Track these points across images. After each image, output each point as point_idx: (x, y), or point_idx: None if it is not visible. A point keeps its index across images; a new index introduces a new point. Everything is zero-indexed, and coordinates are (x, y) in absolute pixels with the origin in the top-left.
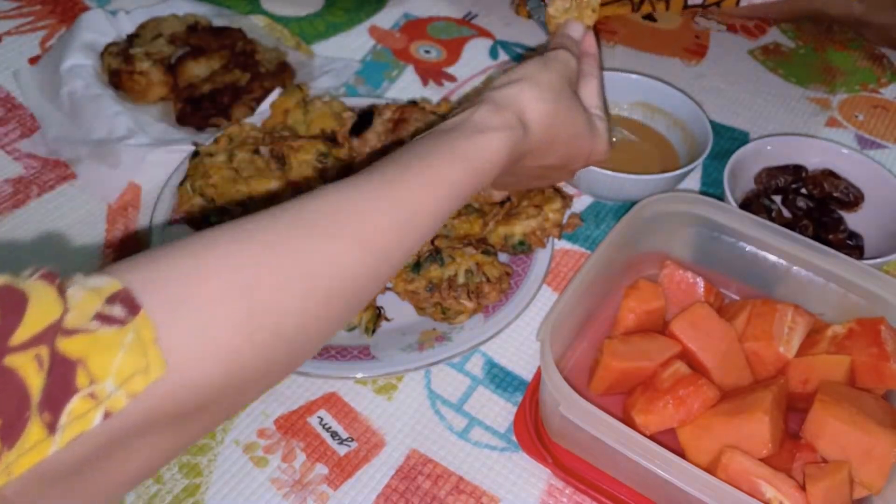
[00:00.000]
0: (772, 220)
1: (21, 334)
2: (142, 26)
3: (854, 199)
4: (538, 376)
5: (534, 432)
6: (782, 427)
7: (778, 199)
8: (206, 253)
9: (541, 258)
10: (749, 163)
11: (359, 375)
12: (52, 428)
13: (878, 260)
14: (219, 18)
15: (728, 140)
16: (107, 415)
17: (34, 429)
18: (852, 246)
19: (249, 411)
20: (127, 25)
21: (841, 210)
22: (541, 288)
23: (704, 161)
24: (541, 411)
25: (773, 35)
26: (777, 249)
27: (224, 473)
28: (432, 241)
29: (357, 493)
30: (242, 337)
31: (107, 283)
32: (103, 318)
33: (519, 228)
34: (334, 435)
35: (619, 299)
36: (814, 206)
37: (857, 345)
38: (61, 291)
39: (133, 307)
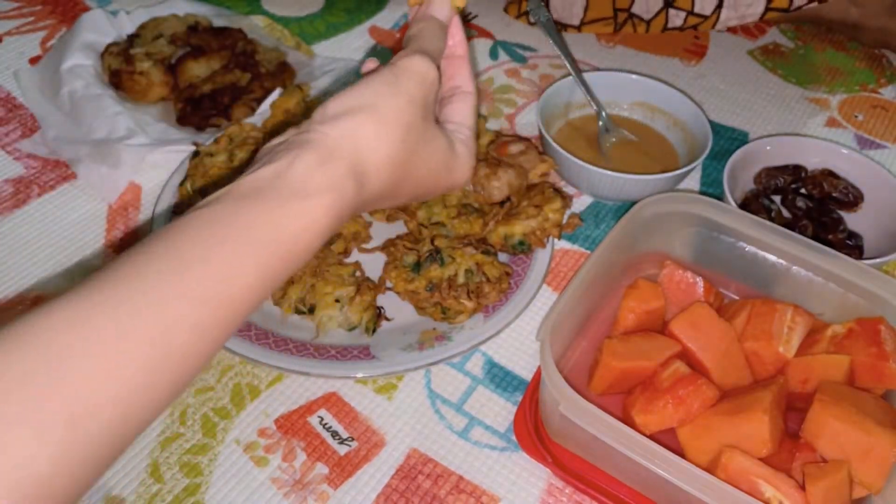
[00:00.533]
0: (771, 220)
1: None
2: (142, 26)
3: (853, 199)
4: (538, 376)
5: (534, 432)
6: (782, 427)
7: (777, 199)
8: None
9: (541, 258)
10: (748, 163)
11: (359, 375)
12: None
13: (878, 260)
14: (219, 19)
15: (728, 140)
16: None
17: None
18: (852, 246)
19: (250, 411)
20: (127, 26)
21: (840, 210)
22: (541, 288)
23: (704, 161)
24: (541, 411)
25: (773, 35)
26: (776, 249)
27: (224, 473)
28: (432, 241)
29: (357, 492)
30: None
31: None
32: None
33: (519, 228)
34: (335, 434)
35: (618, 299)
36: (813, 206)
37: (856, 345)
38: None
39: None
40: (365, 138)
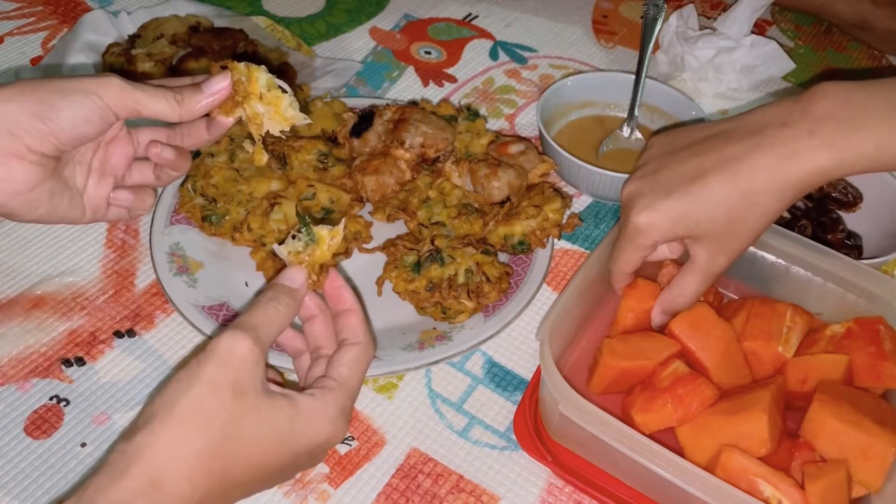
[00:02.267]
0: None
1: None
2: (143, 27)
3: (853, 199)
4: (538, 375)
5: (534, 431)
6: (781, 426)
7: None
8: None
9: (541, 258)
10: None
11: None
12: None
13: (877, 260)
14: (220, 19)
15: None
16: None
17: None
18: (851, 246)
19: None
20: (128, 26)
21: (839, 210)
22: (541, 288)
23: None
24: (540, 410)
25: (773, 35)
26: (776, 249)
27: None
28: (432, 241)
29: (358, 491)
30: None
31: None
32: None
33: (519, 228)
34: None
35: (618, 299)
36: (812, 205)
37: (855, 344)
38: None
39: None
40: (162, 445)
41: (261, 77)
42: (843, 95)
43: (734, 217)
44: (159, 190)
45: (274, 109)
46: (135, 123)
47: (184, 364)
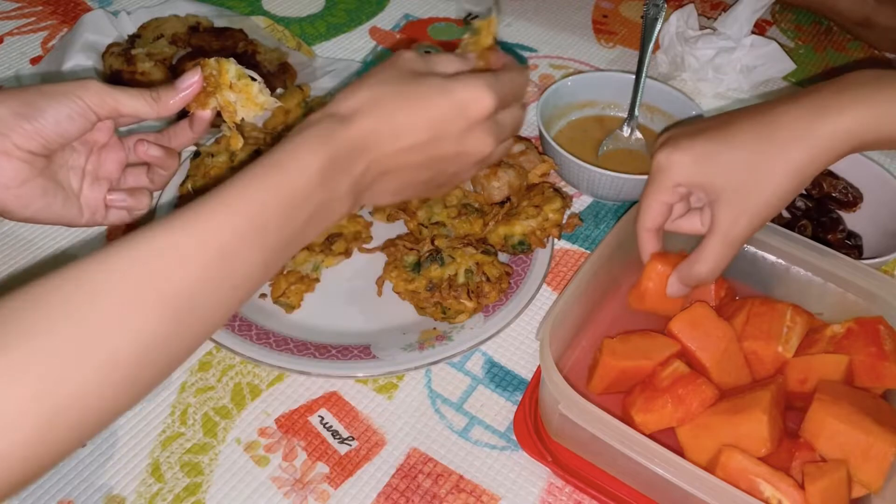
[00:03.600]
0: (770, 219)
1: None
2: (143, 27)
3: (853, 198)
4: (538, 375)
5: (534, 431)
6: (781, 426)
7: None
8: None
9: (541, 258)
10: None
11: (359, 375)
12: None
13: (877, 260)
14: (220, 19)
15: None
16: None
17: None
18: (851, 246)
19: (251, 410)
20: (128, 26)
21: (840, 210)
22: (541, 288)
23: None
24: (540, 410)
25: (773, 35)
26: (776, 249)
27: (225, 472)
28: (432, 241)
29: (358, 491)
30: (38, 444)
31: None
32: None
33: (519, 228)
34: (335, 434)
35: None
36: (812, 205)
37: (855, 344)
38: None
39: None
40: (342, 97)
41: (230, 69)
42: (873, 74)
43: (758, 165)
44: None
45: (245, 97)
46: (126, 133)
47: None
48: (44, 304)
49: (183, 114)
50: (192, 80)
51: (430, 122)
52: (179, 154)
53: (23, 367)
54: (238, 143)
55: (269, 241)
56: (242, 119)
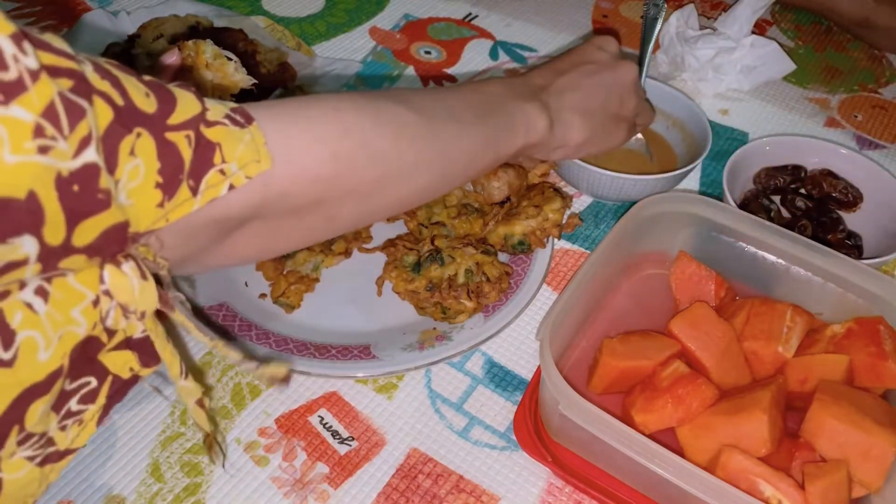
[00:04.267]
0: (771, 220)
1: (176, 118)
2: (143, 27)
3: (853, 199)
4: (538, 375)
5: (533, 431)
6: (781, 426)
7: (777, 199)
8: (315, 102)
9: (541, 258)
10: (748, 163)
11: (359, 375)
12: (194, 191)
13: (877, 260)
14: (220, 19)
15: (727, 140)
16: (231, 187)
17: (183, 190)
18: (851, 246)
19: (250, 410)
20: (128, 26)
21: (840, 210)
22: (541, 288)
23: (704, 161)
24: (540, 410)
25: (773, 35)
26: (776, 249)
27: (225, 472)
28: (432, 241)
29: (358, 491)
30: (336, 146)
31: (229, 104)
32: (231, 119)
33: (519, 228)
34: (335, 434)
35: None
36: (813, 206)
37: (855, 344)
38: (198, 97)
39: (248, 118)
40: (571, 106)
41: (207, 49)
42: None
43: None
44: None
45: (222, 75)
46: None
47: None
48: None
49: None
50: (170, 60)
51: (579, 54)
52: None
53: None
54: None
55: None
56: (219, 98)
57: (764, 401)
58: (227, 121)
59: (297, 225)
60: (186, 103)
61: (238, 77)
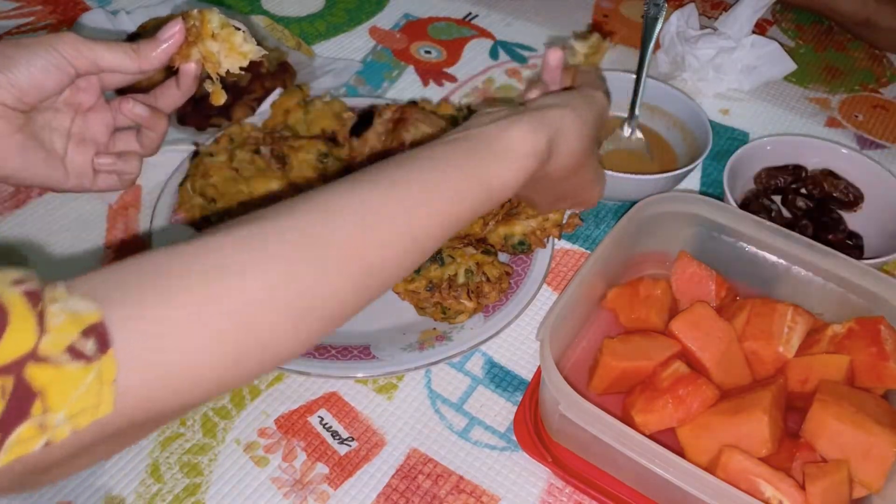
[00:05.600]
0: (771, 220)
1: None
2: (142, 26)
3: (854, 199)
4: (538, 376)
5: (534, 432)
6: (782, 426)
7: (777, 199)
8: (196, 282)
9: (541, 258)
10: (749, 163)
11: (359, 375)
12: None
13: (878, 260)
14: None
15: (728, 140)
16: (48, 444)
17: None
18: (852, 246)
19: (250, 410)
20: (128, 25)
21: (840, 210)
22: (541, 288)
23: (704, 161)
24: (541, 411)
25: (774, 35)
26: (777, 249)
27: (225, 473)
28: None
29: (357, 492)
30: (236, 346)
31: (87, 310)
32: (74, 353)
33: (519, 228)
34: (335, 434)
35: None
36: (813, 206)
37: (856, 344)
38: (41, 315)
39: (104, 345)
40: (566, 121)
41: (213, 18)
42: None
43: None
44: (159, 190)
45: (229, 46)
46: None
47: None
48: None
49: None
50: (173, 31)
51: (573, 188)
52: (168, 116)
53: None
54: (220, 98)
55: (465, 220)
56: (227, 71)
57: (764, 401)
58: (67, 356)
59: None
60: (17, 335)
61: (247, 48)
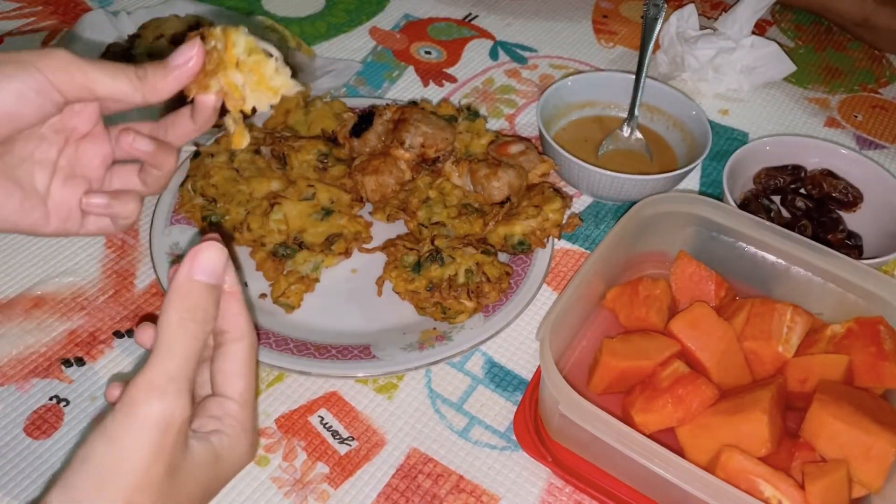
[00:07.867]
0: (771, 220)
1: None
2: (143, 27)
3: (853, 199)
4: (538, 375)
5: (534, 431)
6: (781, 426)
7: (777, 199)
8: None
9: (541, 258)
10: (748, 163)
11: (360, 374)
12: None
13: (877, 260)
14: (220, 19)
15: (727, 140)
16: None
17: None
18: (851, 246)
19: None
20: (128, 26)
21: (840, 210)
22: (541, 288)
23: (704, 161)
24: (540, 410)
25: (773, 35)
26: (776, 249)
27: None
28: (432, 241)
29: (358, 491)
30: None
31: None
32: None
33: (519, 228)
34: (335, 434)
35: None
36: (813, 206)
37: (855, 344)
38: None
39: None
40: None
41: (238, 41)
42: None
43: None
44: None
45: (257, 78)
46: (117, 120)
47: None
48: None
49: (182, 100)
50: (188, 55)
51: (198, 495)
52: (178, 151)
53: None
54: (242, 141)
55: None
56: (253, 109)
57: (764, 401)
58: None
59: None
60: None
61: (278, 81)
